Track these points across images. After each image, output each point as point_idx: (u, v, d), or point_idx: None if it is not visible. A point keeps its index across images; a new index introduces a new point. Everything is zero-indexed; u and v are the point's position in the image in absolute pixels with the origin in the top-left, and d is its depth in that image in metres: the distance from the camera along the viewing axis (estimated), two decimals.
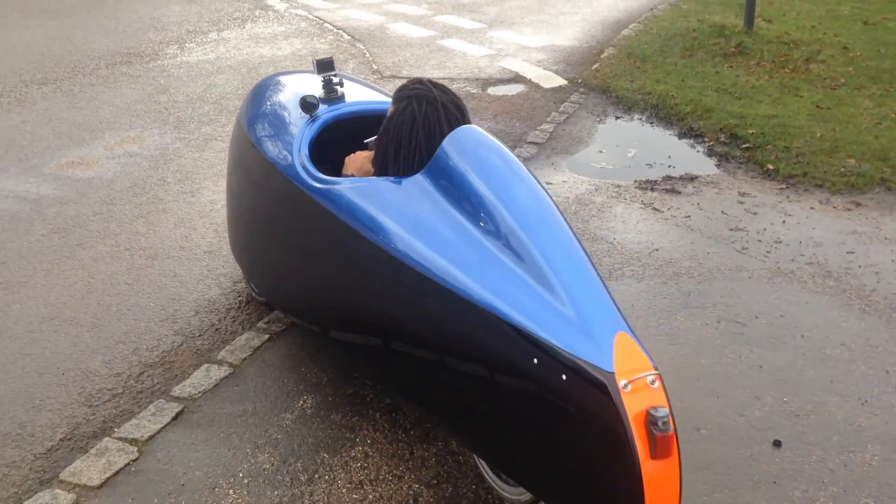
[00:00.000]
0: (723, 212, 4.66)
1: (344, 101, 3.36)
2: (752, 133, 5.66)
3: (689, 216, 4.61)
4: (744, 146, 5.54)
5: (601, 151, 5.64)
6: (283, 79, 3.82)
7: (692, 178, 5.13)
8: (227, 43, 8.60)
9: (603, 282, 2.11)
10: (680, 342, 3.45)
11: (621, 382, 1.88)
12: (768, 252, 4.20)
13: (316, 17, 9.89)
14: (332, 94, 3.37)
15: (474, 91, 6.96)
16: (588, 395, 1.92)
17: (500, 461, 2.43)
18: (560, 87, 7.04)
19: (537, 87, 7.07)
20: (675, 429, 1.89)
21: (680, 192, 4.93)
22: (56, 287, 3.92)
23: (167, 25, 9.39)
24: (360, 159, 2.97)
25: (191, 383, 3.20)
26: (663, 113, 6.23)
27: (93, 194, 4.96)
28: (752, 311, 3.68)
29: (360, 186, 2.67)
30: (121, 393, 3.17)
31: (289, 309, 3.36)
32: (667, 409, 1.87)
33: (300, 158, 3.01)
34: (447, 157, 2.43)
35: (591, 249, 4.24)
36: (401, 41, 8.71)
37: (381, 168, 2.74)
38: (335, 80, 3.39)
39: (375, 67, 7.70)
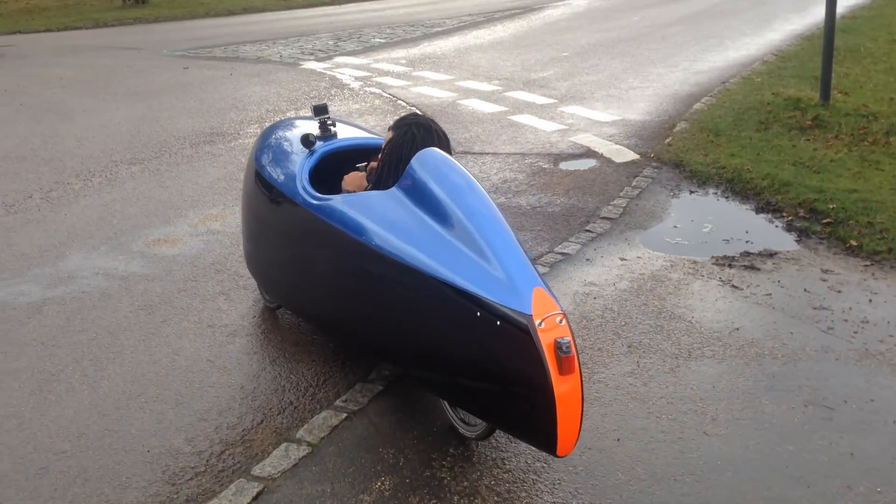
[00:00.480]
0: (805, 290, 4.56)
1: (336, 138, 4.14)
2: (833, 208, 5.55)
3: (770, 294, 4.52)
4: (824, 221, 5.43)
5: (676, 226, 5.60)
6: (286, 123, 4.64)
7: (771, 255, 5.04)
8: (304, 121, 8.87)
9: (527, 255, 2.87)
10: (765, 427, 3.35)
11: (537, 322, 2.63)
12: (855, 332, 4.08)
13: (390, 94, 10.16)
14: (327, 133, 4.13)
15: (546, 166, 7.01)
16: (515, 333, 2.66)
17: (455, 397, 3.23)
18: (632, 161, 7.05)
19: (609, 161, 7.10)
20: (577, 352, 2.63)
21: (759, 269, 4.84)
22: (142, 363, 4.04)
23: (248, 105, 9.76)
24: (356, 178, 3.73)
25: (270, 462, 3.23)
26: (739, 187, 6.18)
27: (177, 271, 5.13)
28: (840, 394, 3.56)
29: (348, 200, 3.46)
30: (203, 471, 3.22)
31: (293, 303, 4.22)
32: (569, 339, 2.62)
33: (301, 183, 3.80)
34: (414, 171, 3.16)
35: (668, 328, 4.18)
36: (472, 117, 8.87)
37: (380, 179, 3.48)
38: (329, 121, 4.16)
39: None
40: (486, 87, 10.41)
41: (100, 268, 5.21)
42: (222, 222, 5.94)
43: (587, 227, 5.62)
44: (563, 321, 2.67)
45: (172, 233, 5.78)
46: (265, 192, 4.13)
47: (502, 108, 9.18)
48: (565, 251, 5.23)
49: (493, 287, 2.75)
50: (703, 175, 6.47)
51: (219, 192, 6.64)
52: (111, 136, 8.51)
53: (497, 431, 3.27)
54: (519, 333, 2.64)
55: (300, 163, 3.96)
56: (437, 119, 8.73)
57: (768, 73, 9.94)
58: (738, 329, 4.15)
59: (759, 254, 5.07)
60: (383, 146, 3.54)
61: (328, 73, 11.86)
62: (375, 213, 3.26)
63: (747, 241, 5.27)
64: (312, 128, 4.20)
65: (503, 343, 2.71)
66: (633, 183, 6.48)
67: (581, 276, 4.85)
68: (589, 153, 7.37)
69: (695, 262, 4.98)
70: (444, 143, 3.44)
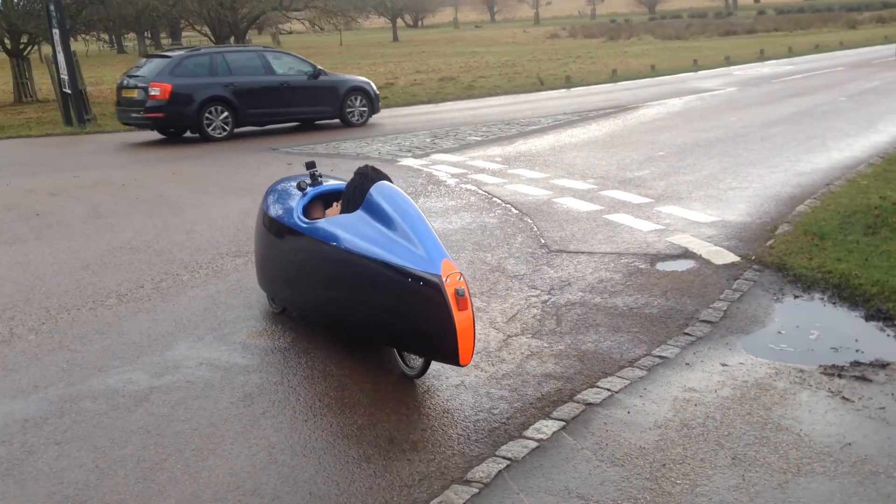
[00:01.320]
0: None
1: (322, 185, 5.91)
2: None
3: (884, 408, 4.30)
4: None
5: (780, 332, 5.43)
6: (285, 179, 6.51)
7: (884, 365, 4.81)
8: None
9: (438, 239, 4.43)
10: None
11: (444, 279, 4.16)
12: None
13: (485, 191, 10.31)
14: (315, 182, 5.91)
15: (643, 266, 6.95)
16: (431, 289, 4.20)
17: (399, 343, 4.88)
18: (732, 263, 6.92)
19: (708, 263, 6.98)
20: (469, 296, 4.20)
21: (871, 381, 4.62)
22: (241, 456, 4.10)
23: None
24: (333, 211, 5.51)
25: None
26: (846, 293, 5.97)
27: (276, 364, 5.24)
28: None
29: (326, 221, 5.20)
30: None
31: (293, 300, 5.90)
32: (463, 287, 4.17)
33: (297, 215, 5.51)
34: (372, 196, 4.78)
35: (775, 440, 4.01)
36: (567, 215, 8.91)
37: (344, 208, 5.25)
38: (317, 173, 5.98)
39: (543, 241, 7.87)
40: (581, 185, 10.47)
41: (204, 358, 5.37)
42: None
43: (686, 331, 5.51)
44: (461, 277, 4.24)
45: (272, 326, 5.93)
46: (272, 225, 5.84)
47: (597, 207, 9.19)
48: (663, 354, 5.13)
49: (418, 262, 4.33)
50: (807, 279, 6.29)
51: None
52: (218, 229, 8.88)
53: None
54: (432, 288, 4.21)
55: (296, 202, 5.70)
56: (533, 217, 8.84)
57: (874, 175, 9.68)
58: (850, 444, 3.95)
59: (871, 364, 4.85)
60: (346, 186, 5.36)
61: (425, 169, 12.15)
62: (345, 228, 4.93)
63: (857, 350, 5.06)
64: (305, 177, 6.05)
65: (424, 295, 4.26)
66: (734, 286, 6.34)
67: (680, 382, 4.73)
68: (687, 254, 7.27)
69: (801, 371, 4.80)
70: (385, 178, 5.14)
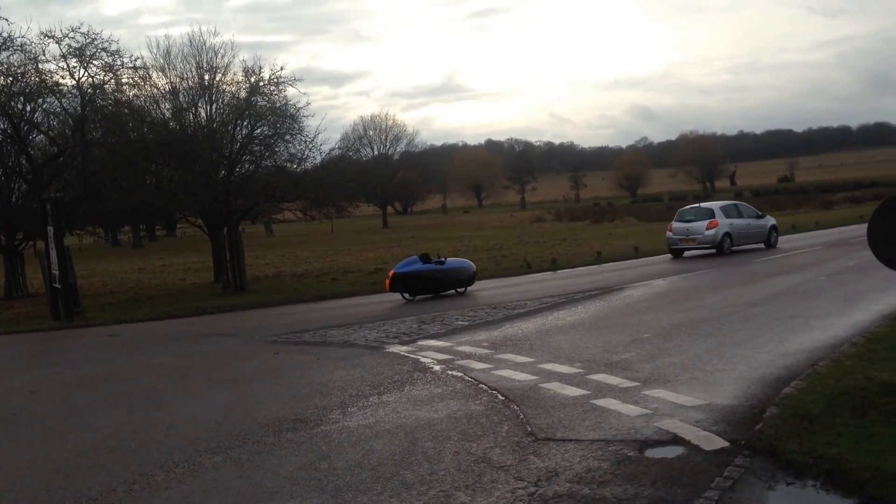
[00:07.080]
0: None
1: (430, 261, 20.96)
2: None
3: None
4: None
5: None
6: (415, 258, 20.86)
7: None
8: (386, 406, 8.95)
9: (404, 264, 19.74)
10: None
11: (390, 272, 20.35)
12: None
13: (471, 378, 10.22)
14: (429, 260, 20.16)
15: (631, 454, 6.78)
16: None
17: None
18: (722, 449, 6.77)
19: (698, 449, 6.82)
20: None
21: None
22: None
23: (332, 390, 9.94)
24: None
25: None
26: (839, 479, 5.80)
27: None
28: None
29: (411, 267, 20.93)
30: None
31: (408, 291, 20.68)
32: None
33: (414, 267, 20.43)
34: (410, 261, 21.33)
35: None
36: (554, 401, 8.78)
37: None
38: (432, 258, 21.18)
39: (529, 429, 7.72)
40: (567, 369, 10.39)
41: None
42: None
43: None
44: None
45: None
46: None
47: (584, 392, 9.08)
48: None
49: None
50: (799, 465, 6.13)
51: (297, 482, 6.58)
52: (198, 424, 8.70)
53: None
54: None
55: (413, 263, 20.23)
56: (519, 403, 8.72)
57: (858, 355, 9.63)
58: None
59: None
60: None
61: (411, 356, 12.10)
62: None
63: None
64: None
65: None
66: (725, 472, 6.17)
67: None
68: (676, 440, 7.11)
69: None
70: (426, 259, 20.31)
